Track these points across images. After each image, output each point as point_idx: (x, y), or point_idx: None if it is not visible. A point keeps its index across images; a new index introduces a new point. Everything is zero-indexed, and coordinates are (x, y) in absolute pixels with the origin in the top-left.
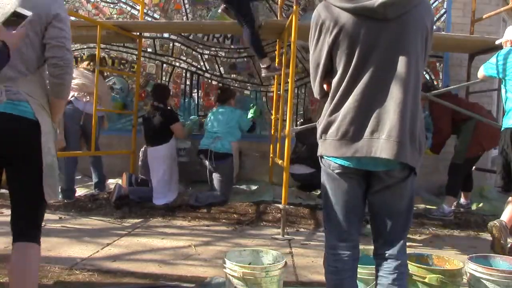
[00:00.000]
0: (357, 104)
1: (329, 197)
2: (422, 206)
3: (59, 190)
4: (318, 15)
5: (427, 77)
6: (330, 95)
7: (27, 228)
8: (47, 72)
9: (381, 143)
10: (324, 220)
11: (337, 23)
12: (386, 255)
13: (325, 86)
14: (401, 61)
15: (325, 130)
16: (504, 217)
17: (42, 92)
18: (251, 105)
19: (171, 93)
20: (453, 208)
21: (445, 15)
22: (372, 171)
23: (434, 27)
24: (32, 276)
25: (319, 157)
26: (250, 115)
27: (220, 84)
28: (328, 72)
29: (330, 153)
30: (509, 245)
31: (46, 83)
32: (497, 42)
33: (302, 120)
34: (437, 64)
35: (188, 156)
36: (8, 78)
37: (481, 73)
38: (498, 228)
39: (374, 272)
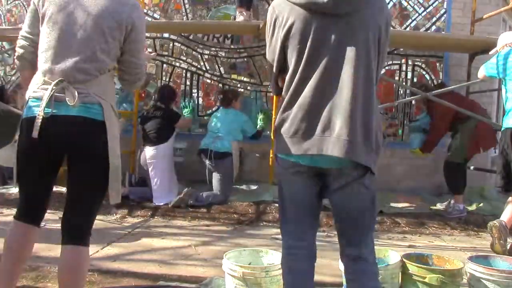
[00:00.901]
0: (308, 101)
1: (284, 196)
2: (420, 205)
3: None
4: (273, 10)
5: (427, 77)
6: (283, 91)
7: (81, 229)
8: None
9: (332, 141)
10: (279, 220)
11: (289, 18)
12: (352, 256)
13: (279, 82)
14: (351, 58)
15: (279, 128)
16: (504, 217)
17: (111, 92)
18: (260, 112)
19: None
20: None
21: (445, 15)
22: (326, 170)
23: (434, 27)
24: (84, 279)
25: (273, 156)
26: (259, 123)
27: (220, 85)
28: (283, 69)
29: (283, 151)
30: (509, 245)
31: (114, 83)
32: (491, 53)
33: None
34: (437, 64)
35: (183, 156)
36: (77, 81)
37: (482, 73)
38: (498, 228)
39: None
